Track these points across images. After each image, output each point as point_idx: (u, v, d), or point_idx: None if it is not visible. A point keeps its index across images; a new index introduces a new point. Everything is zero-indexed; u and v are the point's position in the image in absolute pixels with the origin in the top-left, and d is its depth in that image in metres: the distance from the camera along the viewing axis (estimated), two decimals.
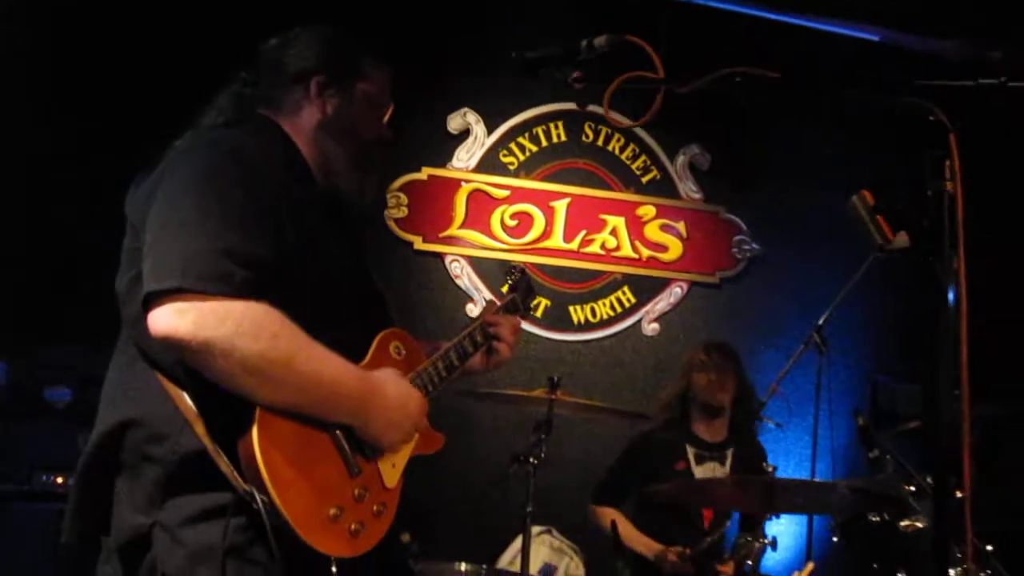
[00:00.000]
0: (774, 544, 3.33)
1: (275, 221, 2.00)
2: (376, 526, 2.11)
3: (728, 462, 4.30)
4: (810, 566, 3.58)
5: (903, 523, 3.60)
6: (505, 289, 2.97)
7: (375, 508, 2.11)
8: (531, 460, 3.36)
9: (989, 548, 3.61)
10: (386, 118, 2.44)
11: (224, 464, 1.90)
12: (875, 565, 3.64)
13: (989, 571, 3.46)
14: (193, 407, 1.95)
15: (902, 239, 1.41)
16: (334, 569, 1.99)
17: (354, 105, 2.33)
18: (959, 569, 2.99)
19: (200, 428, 1.92)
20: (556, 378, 3.55)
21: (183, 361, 1.91)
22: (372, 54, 2.38)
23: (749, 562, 3.19)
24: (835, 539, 3.99)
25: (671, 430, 4.34)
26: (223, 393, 1.90)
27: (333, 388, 2.01)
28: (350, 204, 2.37)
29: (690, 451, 4.24)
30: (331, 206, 2.30)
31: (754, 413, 4.31)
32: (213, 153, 2.07)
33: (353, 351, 2.14)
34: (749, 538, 3.18)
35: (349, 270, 2.28)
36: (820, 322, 4.73)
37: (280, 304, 1.92)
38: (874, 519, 3.68)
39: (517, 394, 3.65)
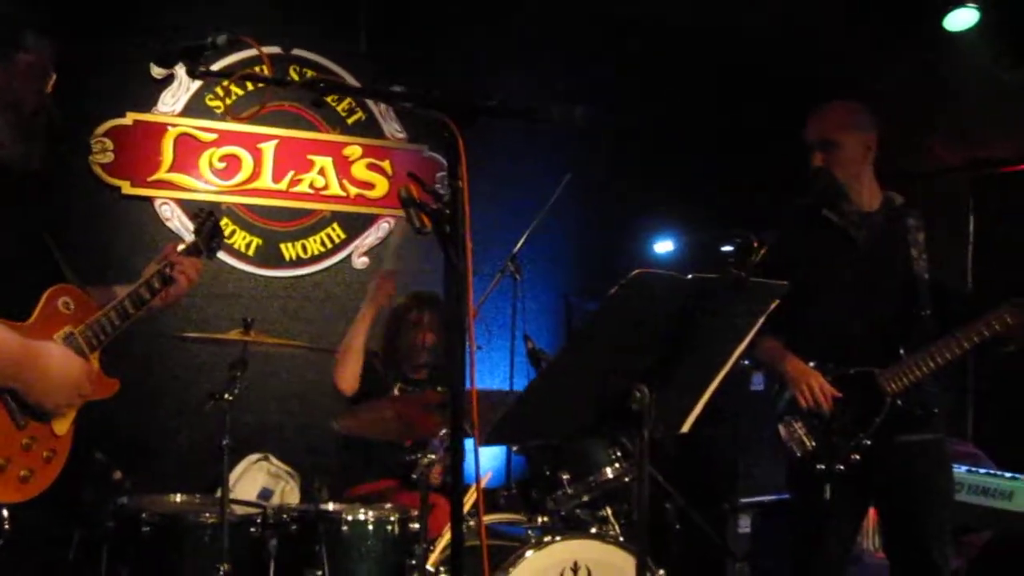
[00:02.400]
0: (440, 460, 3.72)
1: None
2: (46, 471, 2.34)
3: None
4: (487, 475, 4.04)
5: None
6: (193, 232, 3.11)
7: (44, 455, 2.33)
8: (226, 397, 3.61)
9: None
10: (48, 87, 2.57)
11: None
12: (547, 473, 4.11)
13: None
14: None
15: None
16: (4, 513, 2.22)
17: (15, 77, 2.41)
18: None
19: None
20: (249, 319, 3.80)
21: None
22: (33, 25, 2.49)
23: (414, 475, 3.57)
24: (513, 450, 4.49)
25: (382, 368, 4.69)
26: None
27: None
28: (17, 171, 2.51)
29: (396, 388, 4.58)
30: None
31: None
32: None
33: (19, 310, 2.33)
34: (418, 455, 3.57)
35: (14, 234, 2.44)
36: (514, 250, 5.19)
37: None
38: None
39: (215, 337, 3.87)
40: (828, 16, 5.77)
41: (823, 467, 3.42)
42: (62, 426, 2.39)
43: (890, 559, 3.63)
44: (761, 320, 2.23)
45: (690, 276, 1.94)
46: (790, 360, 3.54)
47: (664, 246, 6.18)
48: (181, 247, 2.94)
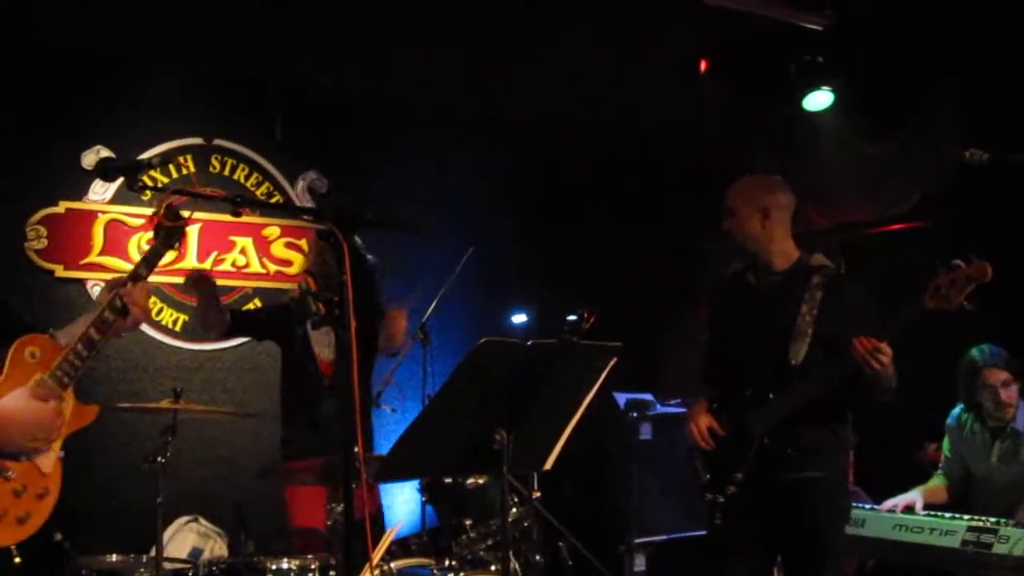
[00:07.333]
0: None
1: None
2: (41, 508, 2.64)
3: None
4: (399, 524, 4.45)
5: (468, 482, 4.55)
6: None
7: (38, 493, 2.63)
8: (159, 459, 4.00)
9: (537, 495, 4.62)
10: None
11: None
12: (453, 521, 4.52)
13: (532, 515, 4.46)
14: None
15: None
16: (16, 559, 2.53)
17: None
18: None
19: None
20: (179, 389, 4.21)
21: None
22: None
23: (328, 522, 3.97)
24: (423, 499, 4.91)
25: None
26: None
27: None
28: None
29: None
30: None
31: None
32: None
33: None
34: (332, 505, 3.97)
35: None
36: (423, 320, 5.68)
37: None
38: (447, 481, 4.60)
39: (147, 407, 4.27)
40: (700, 109, 6.40)
41: (711, 496, 3.85)
42: (47, 463, 2.67)
43: None
44: (604, 372, 2.73)
45: (529, 342, 2.45)
46: (694, 404, 4.04)
47: (519, 318, 6.61)
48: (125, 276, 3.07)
